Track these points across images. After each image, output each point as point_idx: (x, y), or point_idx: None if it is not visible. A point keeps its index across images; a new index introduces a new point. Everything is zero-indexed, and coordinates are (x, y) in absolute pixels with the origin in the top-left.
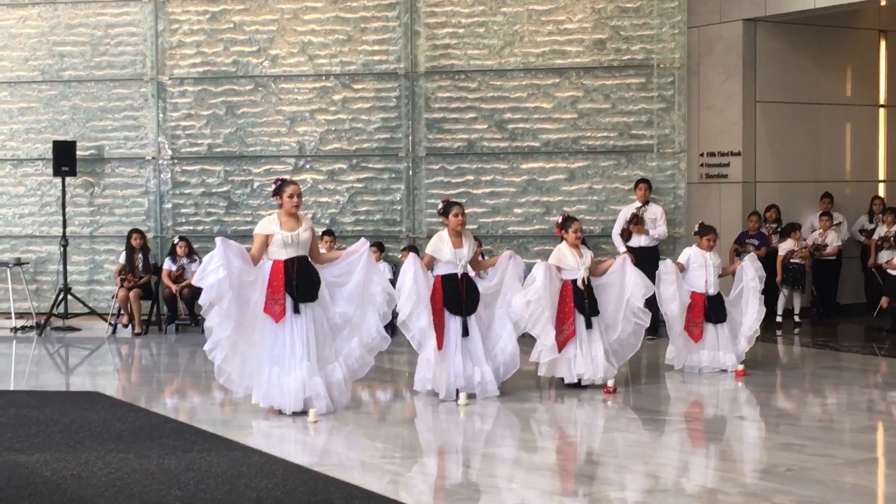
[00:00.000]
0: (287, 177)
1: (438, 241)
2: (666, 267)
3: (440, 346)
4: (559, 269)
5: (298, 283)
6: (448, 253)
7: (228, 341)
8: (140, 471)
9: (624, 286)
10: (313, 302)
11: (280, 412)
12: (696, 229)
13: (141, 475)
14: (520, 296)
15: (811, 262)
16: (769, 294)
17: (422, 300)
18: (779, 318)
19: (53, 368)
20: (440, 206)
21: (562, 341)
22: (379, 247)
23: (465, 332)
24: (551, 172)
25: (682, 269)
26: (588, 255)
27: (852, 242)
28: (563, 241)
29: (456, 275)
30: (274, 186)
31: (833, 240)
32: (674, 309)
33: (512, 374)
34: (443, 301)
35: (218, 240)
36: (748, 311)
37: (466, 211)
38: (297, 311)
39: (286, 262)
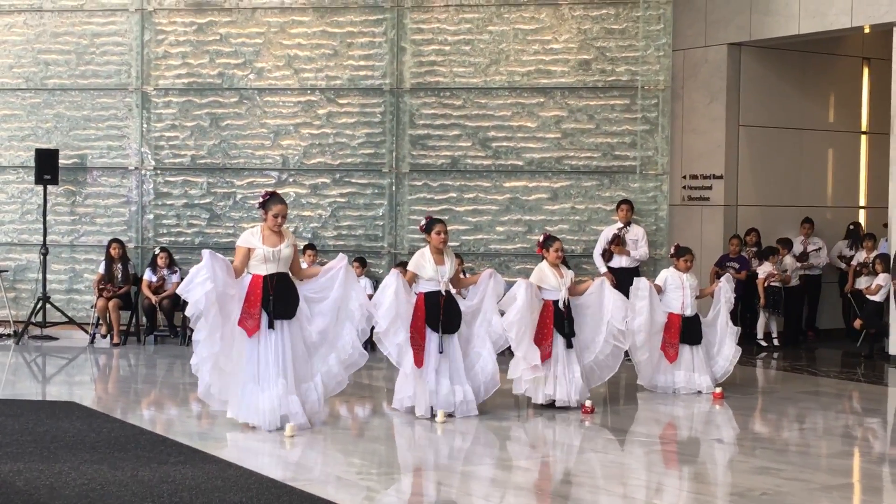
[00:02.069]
0: (277, 191)
1: (420, 258)
2: (640, 283)
3: (419, 363)
4: (540, 288)
5: (275, 299)
6: (430, 270)
7: (213, 356)
8: (114, 482)
9: (603, 308)
10: (290, 319)
11: (254, 427)
12: (673, 251)
13: (115, 487)
14: (497, 317)
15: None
16: (749, 317)
17: (400, 316)
18: (761, 342)
19: (30, 377)
20: (423, 222)
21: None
22: (361, 262)
23: (441, 350)
24: (534, 191)
25: (659, 290)
26: (569, 275)
27: (831, 268)
28: (544, 261)
29: (438, 292)
30: (262, 199)
31: (790, 265)
32: (636, 323)
33: (491, 394)
34: (425, 318)
35: (205, 252)
36: (727, 335)
37: (448, 228)
38: (271, 326)
39: (265, 277)
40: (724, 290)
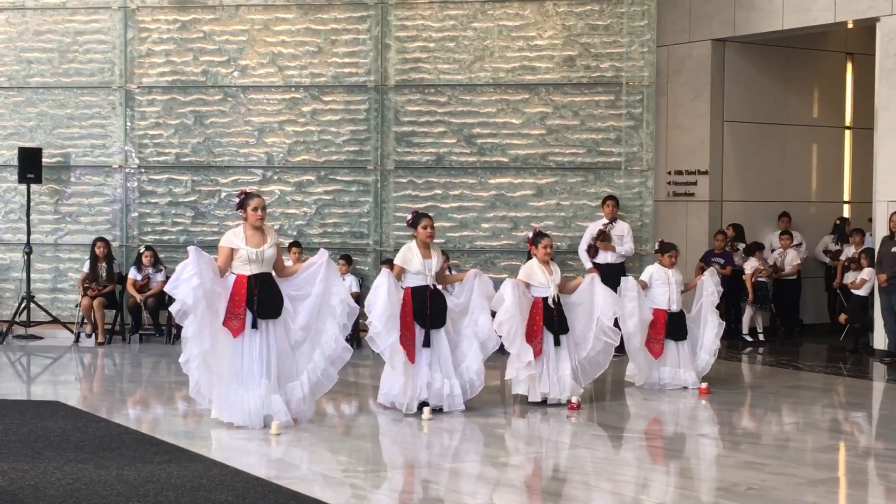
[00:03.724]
0: (252, 188)
1: (408, 252)
2: (628, 283)
3: (412, 359)
4: (529, 285)
5: (260, 299)
6: (417, 264)
7: (202, 354)
8: (99, 482)
9: (594, 304)
10: (275, 319)
11: (239, 427)
12: (657, 247)
13: (100, 486)
14: (485, 316)
15: (772, 281)
16: (735, 312)
17: (394, 316)
18: (746, 337)
19: (14, 377)
20: (409, 217)
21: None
22: (346, 259)
23: (427, 343)
24: (519, 188)
25: (644, 286)
26: (558, 271)
27: (814, 262)
28: (533, 257)
29: (425, 287)
30: (238, 199)
31: (792, 259)
32: (630, 326)
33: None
34: (413, 314)
35: (191, 249)
36: (707, 327)
37: (434, 224)
38: (254, 326)
39: (250, 277)
40: (707, 284)
